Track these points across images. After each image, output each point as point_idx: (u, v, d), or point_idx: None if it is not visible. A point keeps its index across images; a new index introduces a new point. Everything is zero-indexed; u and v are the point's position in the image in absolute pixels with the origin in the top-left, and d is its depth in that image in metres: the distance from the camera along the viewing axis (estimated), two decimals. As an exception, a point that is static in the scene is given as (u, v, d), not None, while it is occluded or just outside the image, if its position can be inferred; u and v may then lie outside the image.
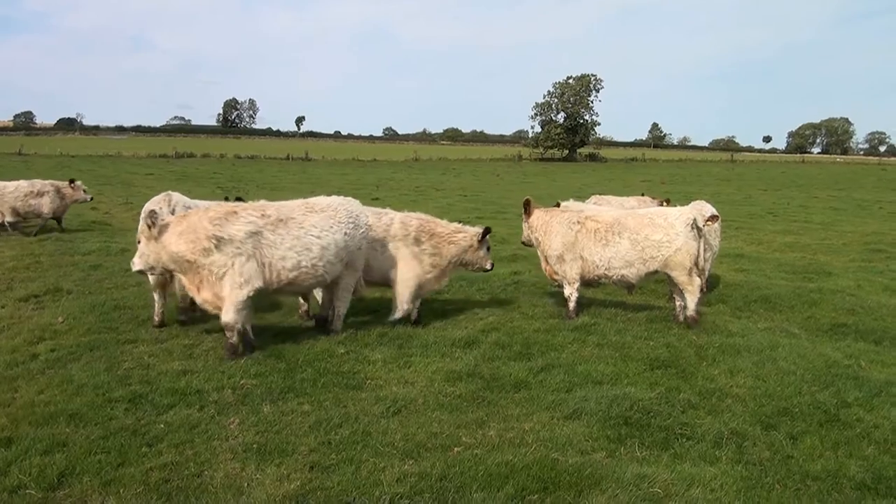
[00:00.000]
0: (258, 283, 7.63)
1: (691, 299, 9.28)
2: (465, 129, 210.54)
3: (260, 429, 5.83)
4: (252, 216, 7.74)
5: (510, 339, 8.44)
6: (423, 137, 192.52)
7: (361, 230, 8.54)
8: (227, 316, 7.53)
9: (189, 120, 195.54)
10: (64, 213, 17.57)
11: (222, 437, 5.68)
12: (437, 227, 9.35)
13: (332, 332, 8.48)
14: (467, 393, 6.73)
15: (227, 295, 7.51)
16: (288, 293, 8.67)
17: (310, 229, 8.01)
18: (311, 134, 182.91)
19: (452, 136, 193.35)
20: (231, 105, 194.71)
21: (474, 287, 11.46)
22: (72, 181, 17.52)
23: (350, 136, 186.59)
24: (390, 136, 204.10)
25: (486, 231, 9.39)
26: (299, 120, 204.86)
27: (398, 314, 9.09)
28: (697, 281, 9.27)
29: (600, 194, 15.49)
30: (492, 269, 9.78)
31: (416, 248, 9.11)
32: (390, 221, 9.18)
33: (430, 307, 10.07)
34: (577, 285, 9.60)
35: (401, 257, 9.08)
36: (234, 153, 71.61)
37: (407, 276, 9.07)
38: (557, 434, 5.83)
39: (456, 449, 5.52)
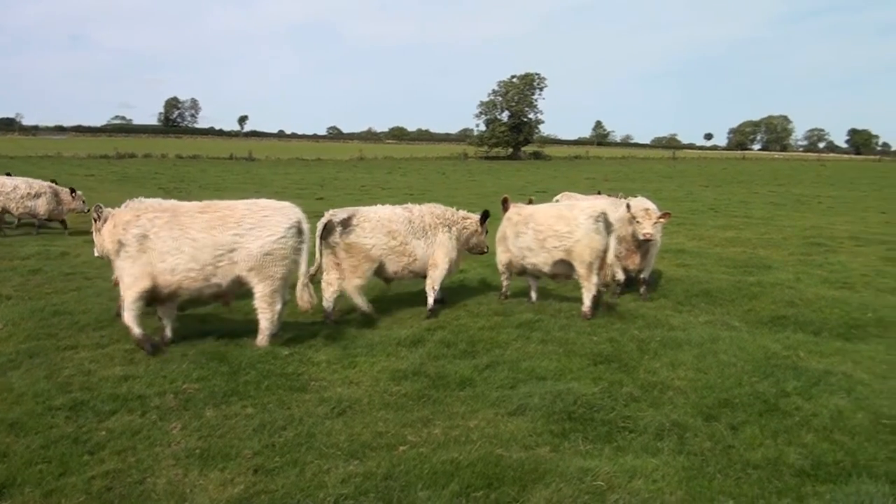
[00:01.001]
0: (144, 284, 7.63)
1: (587, 295, 9.55)
2: (411, 128, 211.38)
3: (203, 433, 5.74)
4: (144, 219, 7.72)
5: (455, 337, 8.47)
6: (369, 136, 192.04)
7: (273, 236, 7.80)
8: (123, 316, 7.80)
9: (130, 119, 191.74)
10: (61, 218, 17.63)
11: (165, 442, 5.58)
12: (454, 213, 10.20)
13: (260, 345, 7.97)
14: (413, 392, 6.73)
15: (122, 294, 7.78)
16: (189, 298, 8.22)
17: (188, 230, 7.66)
18: (254, 133, 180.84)
19: (398, 134, 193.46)
20: (173, 104, 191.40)
21: (420, 286, 11.45)
22: (73, 190, 17.57)
23: (294, 136, 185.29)
24: (335, 135, 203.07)
25: (486, 215, 10.39)
26: (242, 119, 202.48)
27: (437, 295, 9.88)
28: (595, 278, 9.53)
29: (570, 192, 15.25)
30: (487, 251, 10.75)
31: (448, 234, 9.90)
32: (421, 212, 9.84)
33: (377, 307, 10.04)
34: (506, 274, 10.67)
35: (438, 244, 9.79)
36: (175, 153, 70.27)
37: (443, 262, 9.80)
38: (502, 430, 5.87)
39: (401, 448, 5.52)
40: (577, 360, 7.68)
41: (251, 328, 8.68)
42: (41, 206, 16.99)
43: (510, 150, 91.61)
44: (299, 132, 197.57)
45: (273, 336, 8.07)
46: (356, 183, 39.90)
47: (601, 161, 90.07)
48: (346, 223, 9.19)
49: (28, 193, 16.85)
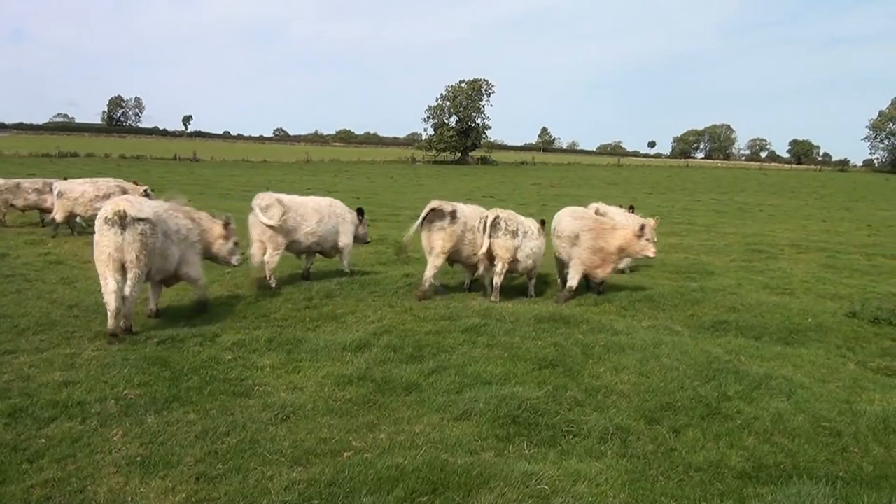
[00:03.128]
0: None
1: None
2: (358, 131, 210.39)
3: (144, 440, 5.61)
4: None
5: (402, 341, 8.44)
6: (315, 139, 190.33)
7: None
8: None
9: (73, 118, 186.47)
10: None
11: (105, 450, 5.43)
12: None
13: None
14: (358, 397, 6.69)
15: None
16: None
17: None
18: (199, 134, 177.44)
19: (345, 137, 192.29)
20: (116, 103, 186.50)
21: (367, 290, 11.42)
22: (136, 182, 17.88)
23: (240, 137, 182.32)
24: (281, 136, 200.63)
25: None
26: (186, 119, 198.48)
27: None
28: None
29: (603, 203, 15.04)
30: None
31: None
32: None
33: (321, 311, 9.99)
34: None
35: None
36: (119, 153, 68.75)
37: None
38: (447, 435, 5.87)
39: (346, 454, 5.48)
40: (522, 364, 7.73)
41: (194, 333, 8.54)
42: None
43: (458, 154, 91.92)
44: (245, 133, 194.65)
45: None
46: (302, 185, 39.53)
47: (547, 167, 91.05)
48: (452, 215, 11.29)
49: (96, 196, 16.88)
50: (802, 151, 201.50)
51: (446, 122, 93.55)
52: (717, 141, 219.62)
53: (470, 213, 11.56)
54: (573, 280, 11.36)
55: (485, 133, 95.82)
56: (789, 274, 15.13)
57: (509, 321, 9.56)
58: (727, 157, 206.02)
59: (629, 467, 5.46)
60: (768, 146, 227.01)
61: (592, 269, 11.34)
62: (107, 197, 16.52)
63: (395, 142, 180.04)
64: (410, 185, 44.85)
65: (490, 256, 11.21)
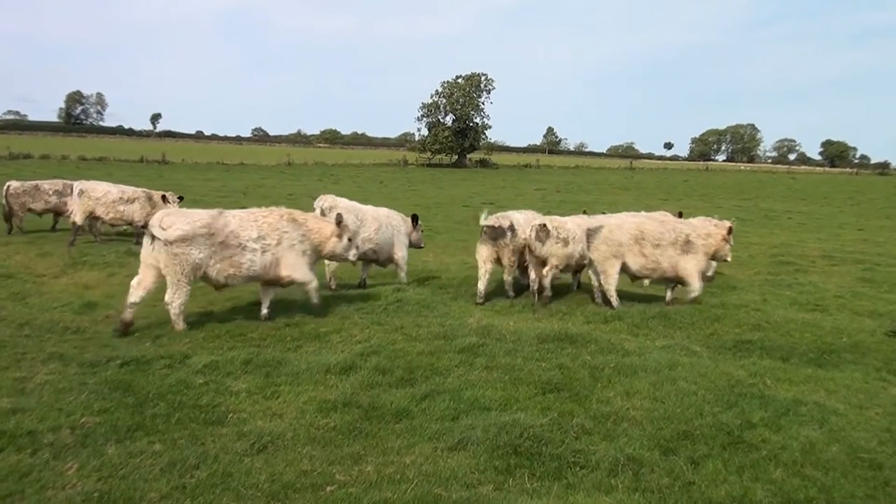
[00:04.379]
0: None
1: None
2: (345, 131, 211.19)
3: (103, 474, 5.57)
4: None
5: (391, 363, 8.44)
6: (298, 139, 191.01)
7: None
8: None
9: (25, 115, 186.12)
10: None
11: (58, 485, 5.39)
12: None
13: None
14: (343, 425, 6.68)
15: None
16: None
17: None
18: (168, 134, 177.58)
19: (331, 138, 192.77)
20: (75, 99, 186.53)
21: (353, 306, 11.41)
22: (164, 196, 18.10)
23: (214, 137, 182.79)
24: (260, 137, 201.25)
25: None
26: (155, 117, 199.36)
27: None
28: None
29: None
30: None
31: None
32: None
33: (302, 330, 9.98)
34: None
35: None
36: (78, 154, 68.40)
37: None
38: (441, 467, 5.86)
39: (328, 488, 5.46)
40: (524, 388, 7.73)
41: (162, 354, 8.52)
42: (136, 211, 17.66)
43: (454, 157, 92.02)
44: (220, 133, 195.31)
45: None
46: (283, 190, 39.52)
47: (552, 170, 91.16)
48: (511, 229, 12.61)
49: (120, 198, 17.51)
50: (836, 153, 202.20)
51: (442, 121, 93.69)
52: (741, 142, 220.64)
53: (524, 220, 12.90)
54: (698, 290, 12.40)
55: (484, 133, 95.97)
56: (821, 288, 15.12)
57: (510, 341, 9.57)
58: (751, 159, 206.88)
59: (642, 502, 5.45)
60: (797, 147, 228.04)
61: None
62: (131, 202, 17.69)
63: (385, 143, 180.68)
64: (402, 190, 44.89)
65: (542, 262, 12.55)
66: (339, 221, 11.04)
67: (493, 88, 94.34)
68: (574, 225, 12.63)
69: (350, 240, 11.21)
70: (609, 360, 8.80)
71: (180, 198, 18.51)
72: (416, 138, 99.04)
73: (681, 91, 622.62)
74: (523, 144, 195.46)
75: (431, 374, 8.15)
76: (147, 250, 9.71)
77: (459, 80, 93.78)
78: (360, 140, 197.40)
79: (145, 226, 17.66)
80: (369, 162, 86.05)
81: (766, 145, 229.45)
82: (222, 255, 9.94)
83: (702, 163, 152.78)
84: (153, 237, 9.55)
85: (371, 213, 13.28)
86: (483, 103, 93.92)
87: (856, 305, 13.54)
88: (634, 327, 10.95)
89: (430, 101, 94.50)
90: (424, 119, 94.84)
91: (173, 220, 9.70)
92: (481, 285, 12.66)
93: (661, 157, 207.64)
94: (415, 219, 14.12)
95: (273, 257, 10.34)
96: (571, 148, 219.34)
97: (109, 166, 59.32)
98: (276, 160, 78.00)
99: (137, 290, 9.74)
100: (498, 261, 12.81)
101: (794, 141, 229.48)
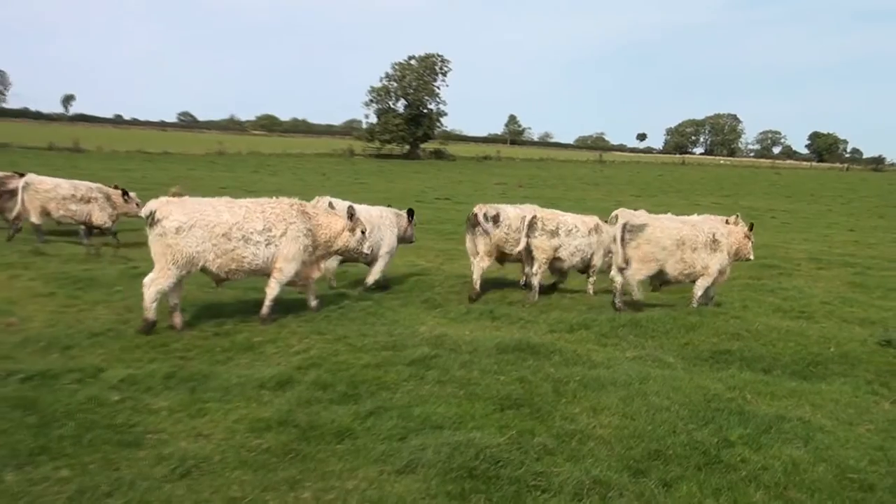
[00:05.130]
0: None
1: None
2: (284, 117, 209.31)
3: (0, 504, 5.48)
4: None
5: (333, 377, 8.40)
6: (230, 126, 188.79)
7: None
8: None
9: None
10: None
11: (-56, 519, 5.30)
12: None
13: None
14: (277, 446, 6.63)
15: None
16: None
17: None
18: (83, 118, 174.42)
19: (267, 124, 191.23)
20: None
21: (291, 313, 11.34)
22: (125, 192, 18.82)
23: (135, 122, 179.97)
24: (188, 122, 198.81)
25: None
26: (68, 99, 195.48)
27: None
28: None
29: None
30: None
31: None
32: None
33: (233, 340, 9.91)
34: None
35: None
36: (-26, 141, 67.18)
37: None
38: (387, 492, 5.84)
39: (261, 517, 5.42)
40: (480, 404, 7.74)
41: (71, 367, 8.38)
42: (94, 212, 18.05)
43: (406, 147, 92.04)
44: (142, 118, 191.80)
45: None
46: (214, 183, 39.22)
47: (515, 163, 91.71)
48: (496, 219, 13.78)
49: (72, 195, 17.79)
50: (825, 147, 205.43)
51: (392, 107, 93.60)
52: (720, 133, 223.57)
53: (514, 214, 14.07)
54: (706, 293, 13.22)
55: (439, 121, 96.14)
56: (807, 294, 15.41)
57: (465, 352, 9.58)
58: (732, 152, 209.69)
59: (610, 530, 5.49)
60: (782, 140, 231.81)
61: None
62: (86, 201, 17.99)
63: (329, 131, 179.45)
64: (348, 184, 44.79)
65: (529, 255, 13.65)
66: (352, 214, 11.76)
67: (450, 71, 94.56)
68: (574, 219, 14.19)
69: (363, 232, 11.94)
70: (574, 372, 8.86)
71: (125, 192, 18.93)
72: (364, 126, 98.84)
73: (656, 77, 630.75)
74: (483, 134, 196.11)
75: (378, 388, 8.12)
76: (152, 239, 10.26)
77: (412, 62, 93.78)
78: (300, 127, 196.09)
79: (108, 229, 18.40)
80: (311, 152, 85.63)
81: (749, 137, 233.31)
82: (224, 249, 10.45)
83: (678, 156, 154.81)
84: (151, 225, 10.12)
85: (363, 214, 13.52)
86: (438, 87, 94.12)
87: (845, 312, 13.82)
88: (602, 336, 11.05)
89: (380, 84, 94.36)
90: (373, 105, 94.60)
91: (171, 210, 10.22)
92: (475, 276, 13.86)
93: (633, 150, 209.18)
94: (410, 213, 14.66)
95: (277, 250, 10.91)
96: (536, 138, 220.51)
97: (12, 154, 58.04)
98: (205, 149, 77.19)
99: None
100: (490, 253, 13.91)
101: (778, 133, 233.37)
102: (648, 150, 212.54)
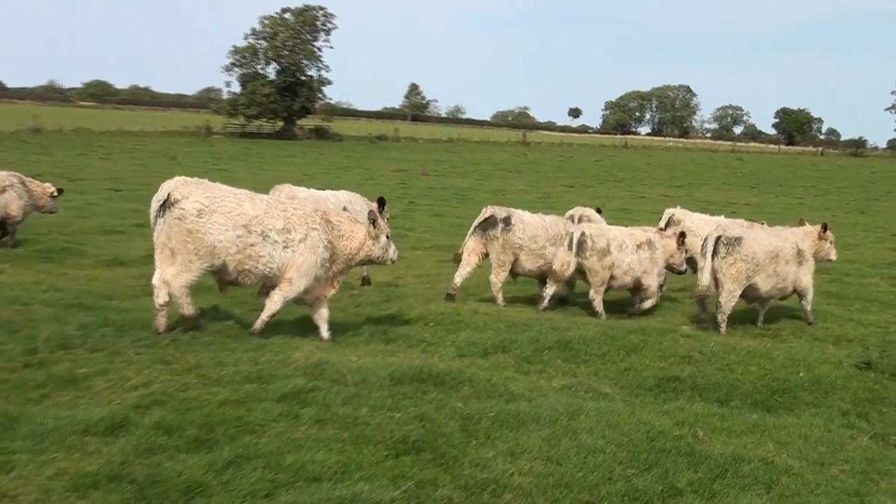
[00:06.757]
0: None
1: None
2: (121, 85, 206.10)
3: None
4: None
5: (182, 418, 8.28)
6: (51, 94, 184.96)
7: None
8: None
9: None
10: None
11: None
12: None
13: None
14: (107, 508, 6.53)
15: None
16: None
17: None
18: None
19: (99, 93, 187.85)
20: None
21: (127, 336, 11.15)
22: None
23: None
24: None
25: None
26: None
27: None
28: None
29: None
30: None
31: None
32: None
33: (50, 371, 9.66)
34: None
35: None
36: None
37: None
38: (249, 566, 5.82)
39: None
40: (369, 449, 7.72)
41: None
42: (11, 202, 18.34)
43: (279, 123, 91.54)
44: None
45: None
46: (25, 169, 38.05)
47: (417, 144, 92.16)
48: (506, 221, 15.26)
49: None
50: (795, 126, 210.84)
51: (262, 72, 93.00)
52: (671, 109, 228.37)
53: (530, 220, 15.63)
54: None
55: (322, 91, 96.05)
56: (772, 307, 15.78)
57: (352, 383, 9.56)
58: (685, 132, 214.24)
59: None
60: (745, 118, 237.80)
61: None
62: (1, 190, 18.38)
63: (180, 102, 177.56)
64: (204, 170, 44.02)
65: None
66: (374, 220, 12.25)
67: (335, 28, 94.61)
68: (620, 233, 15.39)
69: (388, 237, 12.50)
70: (488, 407, 8.92)
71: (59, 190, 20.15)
72: (225, 96, 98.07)
73: (592, 40, 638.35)
74: (377, 108, 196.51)
75: (239, 431, 8.05)
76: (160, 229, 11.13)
77: (287, 16, 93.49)
78: (142, 98, 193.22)
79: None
80: (156, 129, 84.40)
81: (705, 114, 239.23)
82: (245, 243, 11.26)
83: (619, 136, 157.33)
84: (164, 210, 10.95)
85: (332, 201, 14.38)
86: (320, 49, 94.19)
87: (817, 329, 14.22)
88: (524, 361, 11.15)
89: (245, 43, 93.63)
90: (236, 70, 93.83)
91: (191, 190, 11.15)
92: (457, 277, 15.37)
93: (564, 129, 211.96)
94: (381, 203, 14.32)
95: (293, 255, 11.57)
96: (443, 113, 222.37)
97: None
98: (16, 124, 75.21)
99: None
100: (486, 256, 15.42)
101: (740, 109, 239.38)
102: (583, 130, 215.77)
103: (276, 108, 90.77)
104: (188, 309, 11.42)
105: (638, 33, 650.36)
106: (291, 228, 11.50)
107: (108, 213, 25.79)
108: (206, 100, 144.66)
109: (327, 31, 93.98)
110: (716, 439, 8.51)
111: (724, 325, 13.84)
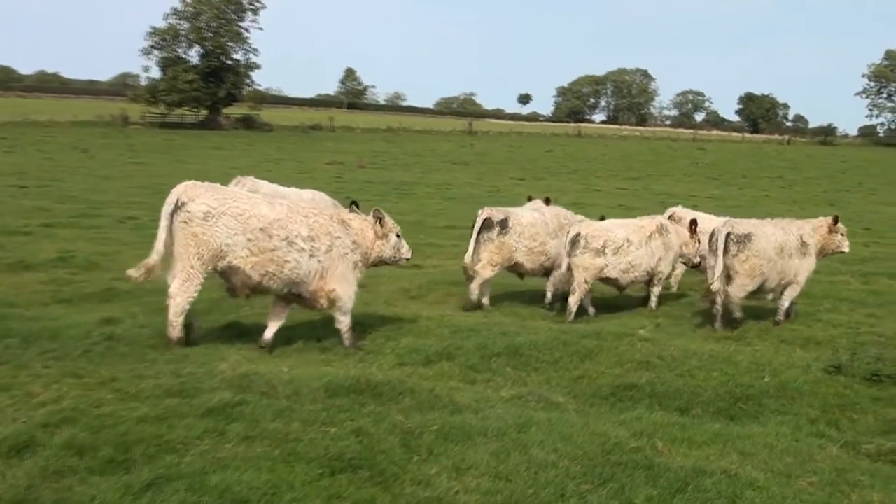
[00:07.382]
0: None
1: None
2: (25, 70, 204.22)
3: None
4: None
5: (95, 437, 8.20)
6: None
7: None
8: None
9: None
10: None
11: None
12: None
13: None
14: (11, 538, 6.48)
15: None
16: None
17: None
18: None
19: (1, 79, 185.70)
20: None
21: (34, 348, 11.05)
22: None
23: None
24: None
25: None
26: None
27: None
28: None
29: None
30: None
31: None
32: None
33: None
34: None
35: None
36: None
37: None
38: None
39: None
40: (302, 467, 7.70)
41: None
42: None
43: (203, 112, 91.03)
44: None
45: None
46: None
47: (354, 134, 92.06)
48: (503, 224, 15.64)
49: None
50: (760, 113, 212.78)
51: (183, 56, 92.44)
52: (627, 95, 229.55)
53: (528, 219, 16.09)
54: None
55: (249, 77, 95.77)
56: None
57: (283, 396, 9.54)
58: (642, 120, 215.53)
59: None
60: (707, 104, 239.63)
61: None
62: None
63: (92, 89, 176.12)
64: (119, 164, 43.88)
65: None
66: (381, 218, 12.69)
67: (263, 7, 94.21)
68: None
69: (398, 236, 12.95)
70: (431, 420, 8.92)
71: None
72: (143, 83, 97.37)
73: (543, 21, 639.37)
74: (310, 95, 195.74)
75: (159, 451, 7.99)
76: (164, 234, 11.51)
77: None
78: (49, 84, 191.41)
79: None
80: (66, 119, 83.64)
81: (663, 100, 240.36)
82: (262, 247, 11.55)
83: (572, 125, 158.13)
84: (172, 213, 11.37)
85: (294, 198, 14.63)
86: (248, 31, 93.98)
87: (784, 331, 14.35)
88: (470, 370, 11.18)
89: (165, 24, 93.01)
90: (155, 53, 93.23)
91: (199, 192, 11.54)
92: (475, 291, 15.65)
93: (514, 116, 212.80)
94: (354, 206, 14.30)
95: (319, 266, 11.99)
96: (382, 101, 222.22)
97: None
98: None
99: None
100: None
101: (701, 94, 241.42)
102: (534, 117, 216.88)
103: (200, 95, 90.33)
104: (176, 331, 11.62)
105: (592, 14, 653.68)
106: (315, 237, 11.90)
107: (13, 212, 25.44)
108: (121, 86, 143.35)
109: (255, 11, 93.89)
110: (676, 451, 8.55)
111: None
